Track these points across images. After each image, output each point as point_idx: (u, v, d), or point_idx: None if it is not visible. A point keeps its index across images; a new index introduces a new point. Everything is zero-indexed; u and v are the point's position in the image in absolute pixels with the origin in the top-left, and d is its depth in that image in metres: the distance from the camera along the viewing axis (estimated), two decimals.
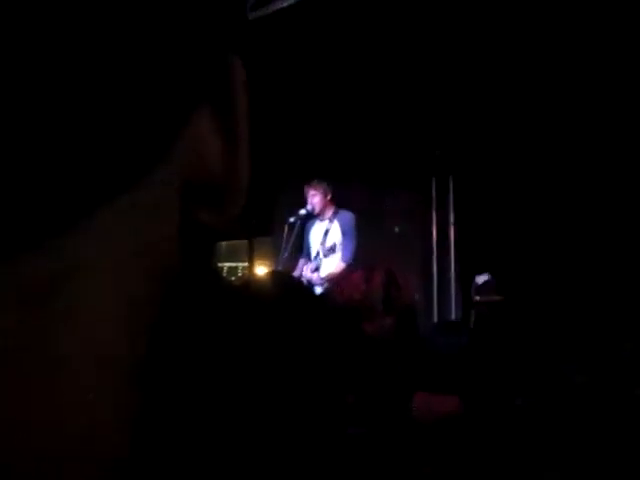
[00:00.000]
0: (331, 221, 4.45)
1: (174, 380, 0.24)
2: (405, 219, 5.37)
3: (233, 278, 7.04)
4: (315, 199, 4.41)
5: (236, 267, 7.46)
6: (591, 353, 2.63)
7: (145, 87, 0.18)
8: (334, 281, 3.69)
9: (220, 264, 6.98)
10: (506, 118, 4.39)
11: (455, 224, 5.34)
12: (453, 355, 2.53)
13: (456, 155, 5.11)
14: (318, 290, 4.25)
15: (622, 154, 3.83)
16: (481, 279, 4.00)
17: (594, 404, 2.08)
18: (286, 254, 4.36)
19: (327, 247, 4.40)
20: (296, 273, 4.40)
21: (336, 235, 4.43)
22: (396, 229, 5.31)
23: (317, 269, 4.43)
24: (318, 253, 4.47)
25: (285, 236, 4.42)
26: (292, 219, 4.44)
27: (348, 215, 4.45)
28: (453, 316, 5.24)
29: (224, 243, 6.95)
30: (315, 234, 4.53)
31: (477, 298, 4.00)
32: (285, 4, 4.02)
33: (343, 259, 4.34)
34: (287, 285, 1.18)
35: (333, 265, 4.35)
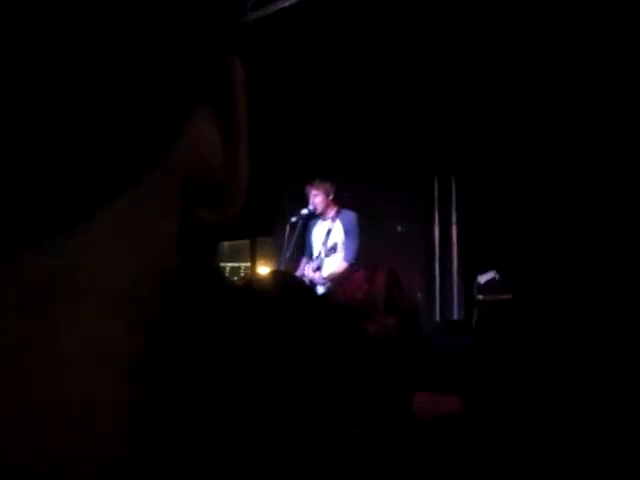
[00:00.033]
0: (333, 221, 4.45)
1: (175, 379, 0.24)
2: (407, 218, 5.37)
3: (236, 278, 7.05)
4: (317, 199, 4.41)
5: (239, 267, 7.46)
6: (599, 351, 2.62)
7: (144, 86, 0.18)
8: (336, 281, 3.69)
9: (223, 264, 6.98)
10: (508, 117, 4.38)
11: (457, 223, 5.34)
12: (455, 355, 2.52)
13: (458, 154, 5.10)
14: (320, 290, 4.25)
15: (625, 150, 3.82)
16: (483, 278, 3.99)
17: (602, 404, 2.07)
18: (288, 254, 4.36)
19: (328, 247, 4.40)
20: (298, 273, 4.40)
21: (338, 235, 4.43)
22: (398, 228, 5.31)
23: (319, 268, 4.43)
24: (320, 253, 4.47)
25: (287, 236, 4.42)
26: (294, 219, 4.44)
27: (350, 215, 4.45)
28: (455, 316, 5.24)
29: (226, 243, 6.95)
30: (317, 234, 4.53)
31: (480, 297, 3.99)
32: (286, 4, 4.02)
33: (345, 259, 4.35)
34: (289, 285, 1.18)
35: (335, 265, 4.35)
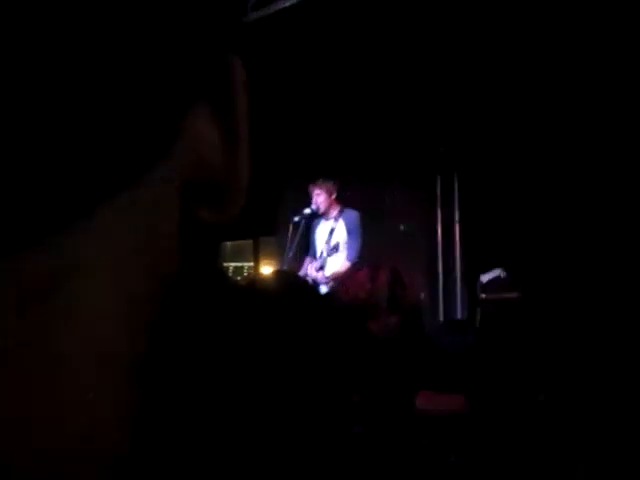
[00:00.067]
0: (336, 220, 4.46)
1: (175, 379, 0.24)
2: (410, 217, 5.36)
3: (239, 278, 7.05)
4: (320, 198, 4.42)
5: (242, 267, 7.47)
6: (605, 349, 2.61)
7: (144, 85, 0.18)
8: (339, 280, 3.69)
9: (226, 264, 6.99)
10: (511, 115, 4.38)
11: (460, 222, 5.34)
12: (459, 354, 2.52)
13: (461, 152, 5.10)
14: (323, 289, 4.25)
15: (627, 147, 3.81)
16: (487, 277, 3.99)
17: (607, 402, 2.07)
18: (291, 254, 4.36)
19: (331, 246, 4.41)
20: (301, 272, 4.40)
21: (341, 234, 4.43)
22: (401, 227, 5.31)
23: (322, 268, 4.44)
24: (323, 252, 4.48)
25: (290, 236, 4.42)
26: (297, 218, 4.45)
27: (353, 214, 4.45)
28: (459, 315, 5.23)
29: (230, 243, 6.96)
30: (320, 233, 4.54)
31: (483, 296, 3.99)
32: (286, 4, 4.02)
33: (348, 258, 4.35)
34: (292, 284, 1.18)
35: (338, 264, 4.36)
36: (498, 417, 1.79)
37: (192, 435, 0.25)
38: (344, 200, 4.54)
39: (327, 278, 4.34)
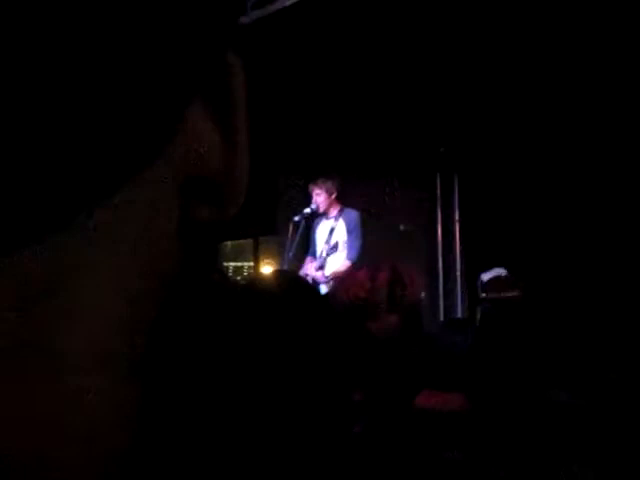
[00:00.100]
0: (336, 219, 4.46)
1: (175, 378, 0.24)
2: (410, 217, 5.37)
3: (239, 278, 7.05)
4: (320, 198, 4.42)
5: (242, 267, 7.47)
6: (607, 348, 2.61)
7: (141, 84, 0.18)
8: (339, 279, 3.69)
9: (226, 264, 6.99)
10: (511, 114, 4.37)
11: (460, 221, 5.34)
12: (459, 353, 2.52)
13: (461, 152, 5.10)
14: (323, 288, 4.25)
15: (627, 146, 3.81)
16: (487, 276, 3.99)
17: (611, 401, 2.07)
18: (291, 253, 4.36)
19: (330, 246, 4.41)
20: (302, 272, 4.41)
21: (341, 234, 4.43)
22: (401, 227, 5.31)
23: (321, 267, 4.44)
24: (322, 252, 4.48)
25: (290, 235, 4.42)
26: (297, 218, 4.45)
27: (353, 213, 4.45)
28: (459, 314, 5.23)
29: (229, 243, 6.96)
30: (321, 233, 4.54)
31: (483, 295, 3.99)
32: (287, 3, 4.02)
33: (349, 257, 4.35)
34: (291, 284, 1.18)
35: (338, 263, 4.36)
36: (499, 416, 1.79)
37: (192, 434, 0.26)
38: (344, 199, 4.54)
39: (327, 277, 4.34)
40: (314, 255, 4.55)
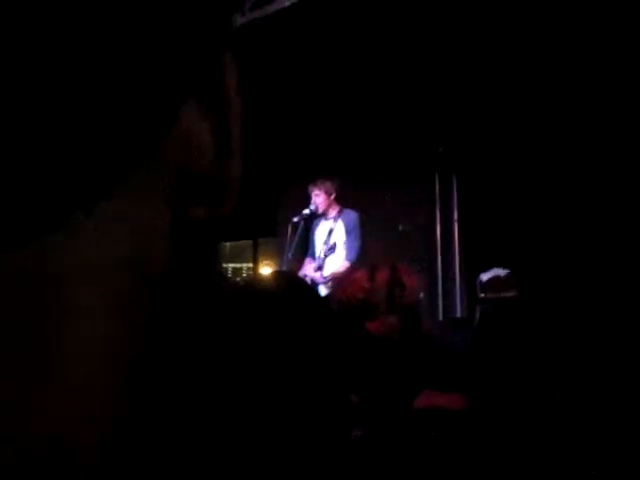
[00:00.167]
0: (335, 220, 4.46)
1: (174, 379, 0.24)
2: (409, 217, 5.37)
3: (238, 279, 7.05)
4: (319, 199, 4.42)
5: (241, 268, 7.47)
6: (605, 348, 2.61)
7: (134, 84, 0.19)
8: (338, 280, 3.69)
9: (225, 265, 6.99)
10: (509, 114, 4.38)
11: (459, 221, 5.34)
12: (458, 353, 2.52)
13: (459, 152, 5.10)
14: (322, 289, 4.25)
15: (626, 145, 3.81)
16: (486, 276, 3.99)
17: (607, 403, 2.07)
18: (290, 254, 4.36)
19: (329, 246, 4.41)
20: (301, 273, 4.41)
21: (339, 234, 4.43)
22: (400, 227, 5.31)
23: (320, 268, 4.44)
24: (321, 252, 4.48)
25: (289, 236, 4.42)
26: (296, 219, 4.45)
27: (352, 214, 4.45)
28: (458, 314, 5.23)
29: (229, 244, 6.96)
30: (319, 234, 4.54)
31: (482, 295, 3.99)
32: (286, 3, 4.02)
33: (348, 258, 4.35)
34: (290, 285, 1.18)
35: (337, 264, 4.36)
36: (497, 415, 1.79)
37: (191, 436, 0.26)
38: (342, 200, 4.55)
39: (325, 278, 4.35)
40: (313, 256, 4.56)
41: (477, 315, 3.82)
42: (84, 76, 0.17)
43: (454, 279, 5.33)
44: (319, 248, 4.51)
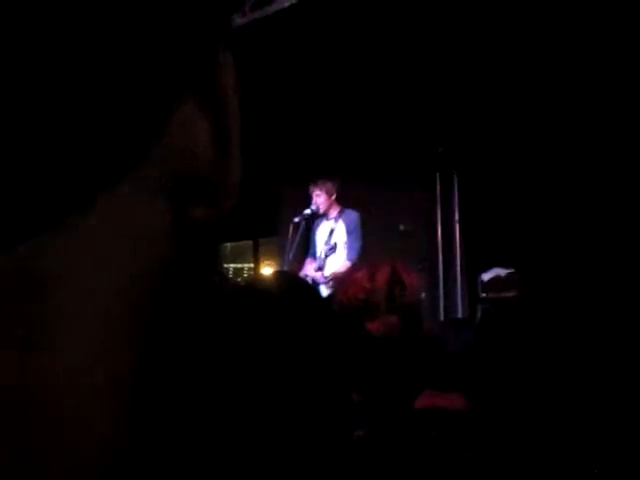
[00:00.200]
0: (336, 220, 4.46)
1: (172, 379, 0.24)
2: (410, 217, 5.36)
3: (239, 279, 7.05)
4: (320, 199, 4.42)
5: (242, 268, 7.47)
6: (606, 349, 2.61)
7: (130, 83, 0.18)
8: (338, 280, 3.69)
9: (226, 265, 6.99)
10: (510, 114, 4.37)
11: (460, 221, 5.34)
12: (459, 353, 2.52)
13: (460, 152, 5.10)
14: (322, 289, 4.25)
15: (626, 145, 3.81)
16: (487, 276, 3.98)
17: (607, 404, 2.07)
18: (291, 254, 4.36)
19: (329, 246, 4.42)
20: (302, 273, 4.41)
21: (340, 234, 4.44)
22: (401, 227, 5.31)
23: (321, 268, 4.44)
24: (322, 252, 4.49)
25: (290, 236, 4.42)
26: (297, 219, 4.45)
27: (353, 214, 4.45)
28: (460, 314, 5.23)
29: (230, 244, 6.96)
30: (320, 234, 4.54)
31: (483, 295, 3.99)
32: (286, 4, 4.02)
33: (348, 258, 4.35)
34: (291, 285, 1.18)
35: (337, 264, 4.36)
36: (498, 416, 1.79)
37: (191, 437, 0.26)
38: (343, 200, 4.55)
39: (326, 278, 4.35)
40: (314, 256, 4.56)
41: (478, 315, 3.82)
42: (83, 75, 0.17)
43: (455, 279, 5.32)
44: (320, 248, 4.51)
